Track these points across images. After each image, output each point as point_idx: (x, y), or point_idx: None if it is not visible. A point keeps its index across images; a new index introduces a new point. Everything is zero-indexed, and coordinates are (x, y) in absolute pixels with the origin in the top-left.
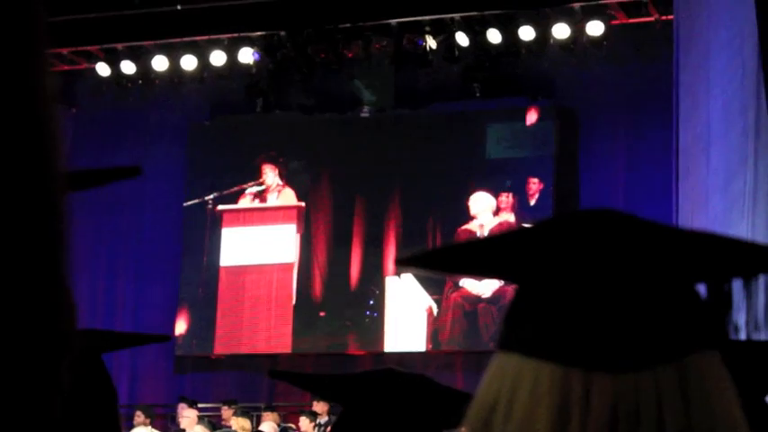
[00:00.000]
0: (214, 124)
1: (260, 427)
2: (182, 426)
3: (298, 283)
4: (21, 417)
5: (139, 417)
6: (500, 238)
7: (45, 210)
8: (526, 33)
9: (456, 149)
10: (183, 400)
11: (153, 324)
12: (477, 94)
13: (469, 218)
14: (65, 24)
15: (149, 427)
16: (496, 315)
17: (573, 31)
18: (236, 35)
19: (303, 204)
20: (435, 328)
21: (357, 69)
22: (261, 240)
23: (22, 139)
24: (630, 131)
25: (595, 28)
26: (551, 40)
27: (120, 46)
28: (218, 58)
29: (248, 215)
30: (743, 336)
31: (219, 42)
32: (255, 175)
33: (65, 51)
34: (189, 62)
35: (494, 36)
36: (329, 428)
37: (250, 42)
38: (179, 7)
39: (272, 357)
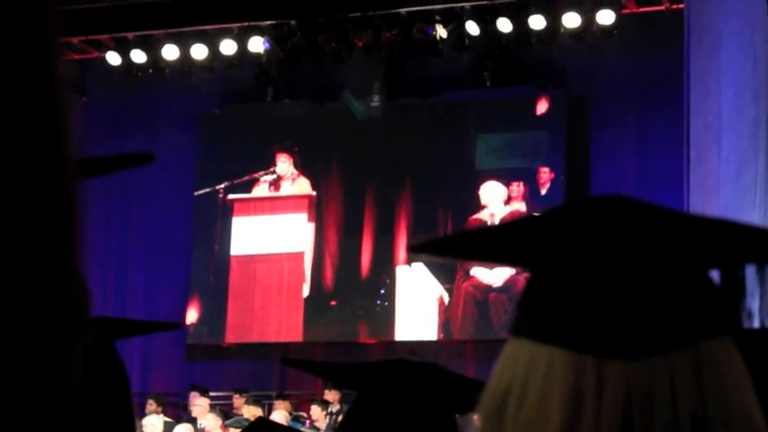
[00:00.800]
0: (224, 113)
1: (271, 416)
2: (193, 414)
3: (309, 272)
4: (35, 403)
5: (151, 405)
6: (512, 224)
7: (58, 196)
8: (537, 22)
9: (466, 138)
10: (194, 388)
11: (164, 313)
12: (488, 83)
13: (480, 207)
14: (75, 13)
15: (161, 416)
16: (508, 304)
17: (583, 20)
18: (246, 24)
19: (314, 193)
20: (446, 317)
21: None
22: (272, 229)
23: (36, 127)
24: (641, 120)
25: (606, 17)
26: (562, 29)
27: (130, 35)
28: (228, 47)
29: (259, 204)
30: (756, 322)
31: (230, 31)
32: (268, 164)
33: (75, 41)
34: (199, 51)
35: (504, 25)
36: (341, 417)
37: (260, 31)
38: None
39: (284, 346)
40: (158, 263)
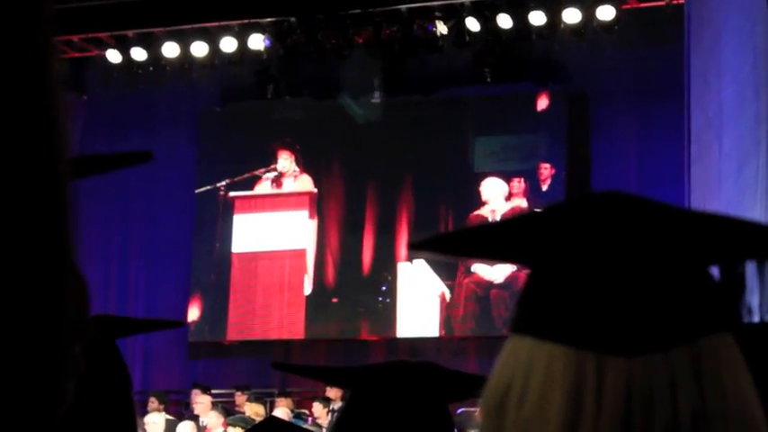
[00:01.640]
0: (225, 111)
1: (273, 413)
2: (195, 412)
3: (311, 269)
4: (35, 402)
5: (153, 403)
6: (513, 221)
7: (52, 195)
8: (537, 18)
9: (467, 134)
10: (196, 386)
11: (165, 310)
12: (488, 80)
13: (481, 203)
14: (75, 11)
15: (163, 413)
16: (509, 301)
17: (584, 16)
18: (246, 21)
19: (315, 190)
20: (448, 313)
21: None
22: (273, 227)
23: (29, 126)
24: (642, 116)
25: (606, 12)
26: (562, 25)
27: (130, 33)
28: (228, 44)
29: (260, 201)
30: (756, 318)
31: (230, 29)
32: (269, 161)
33: (75, 38)
34: (200, 49)
35: (504, 21)
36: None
37: (261, 29)
38: None
39: (285, 343)
40: (159, 260)
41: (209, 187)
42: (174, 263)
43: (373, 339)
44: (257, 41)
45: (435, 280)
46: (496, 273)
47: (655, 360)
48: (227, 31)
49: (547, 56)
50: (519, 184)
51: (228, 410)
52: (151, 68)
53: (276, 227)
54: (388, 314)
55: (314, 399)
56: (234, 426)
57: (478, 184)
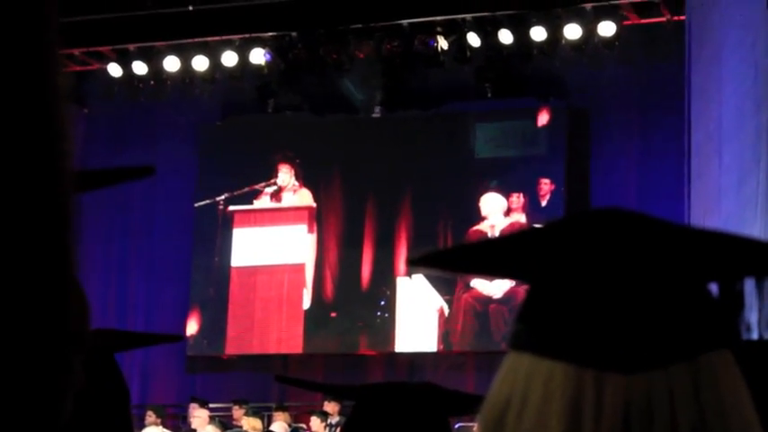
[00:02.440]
0: (225, 125)
1: (271, 427)
2: (193, 425)
3: (310, 283)
4: (34, 415)
5: (151, 416)
6: (512, 237)
7: (54, 209)
8: (538, 34)
9: (467, 150)
10: (194, 399)
11: (164, 324)
12: (489, 95)
13: (480, 218)
14: (76, 25)
15: (161, 427)
16: (508, 315)
17: (584, 32)
18: (247, 36)
19: (314, 205)
20: (446, 328)
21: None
22: (272, 241)
23: (33, 138)
24: (642, 132)
25: (607, 28)
26: (563, 41)
27: (131, 46)
28: (229, 58)
29: (259, 216)
30: (755, 335)
31: (231, 43)
32: (269, 175)
33: (76, 52)
34: (200, 63)
35: (505, 37)
36: (340, 429)
37: (261, 43)
38: (191, 8)
39: (284, 358)
40: (158, 274)
41: (208, 201)
42: (173, 277)
43: (372, 354)
44: (258, 56)
45: (434, 295)
46: (495, 288)
47: (654, 377)
48: (228, 45)
49: (548, 72)
50: (518, 199)
51: (226, 424)
52: (152, 82)
53: (275, 241)
54: (386, 329)
55: (311, 413)
56: None
57: (478, 199)
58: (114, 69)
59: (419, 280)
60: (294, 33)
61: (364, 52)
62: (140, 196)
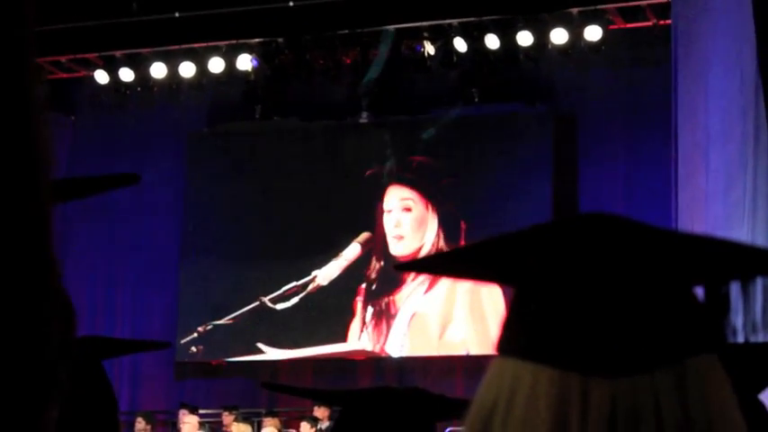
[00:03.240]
0: (212, 131)
1: None
2: None
3: (298, 287)
4: (16, 424)
5: (140, 423)
6: (497, 241)
7: (33, 218)
8: (524, 39)
9: (454, 154)
10: (183, 406)
11: (153, 331)
12: (476, 100)
13: None
14: (63, 32)
15: None
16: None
17: (571, 37)
18: (234, 42)
19: None
20: (437, 332)
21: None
22: None
23: (10, 148)
24: (629, 136)
25: (593, 33)
26: (549, 46)
27: (118, 53)
28: (216, 64)
29: None
30: (741, 338)
31: (218, 49)
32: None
33: (63, 59)
34: (187, 69)
35: (492, 41)
36: None
37: (248, 49)
38: (177, 14)
39: (272, 363)
40: (146, 281)
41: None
42: (161, 283)
43: (361, 359)
44: (245, 62)
45: (425, 299)
46: (485, 292)
47: (640, 381)
48: (214, 51)
49: (534, 76)
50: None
51: (216, 430)
52: (139, 89)
53: None
54: (377, 333)
55: (301, 419)
56: None
57: None
58: (101, 76)
59: (410, 284)
60: (281, 39)
61: (351, 58)
62: (128, 203)
